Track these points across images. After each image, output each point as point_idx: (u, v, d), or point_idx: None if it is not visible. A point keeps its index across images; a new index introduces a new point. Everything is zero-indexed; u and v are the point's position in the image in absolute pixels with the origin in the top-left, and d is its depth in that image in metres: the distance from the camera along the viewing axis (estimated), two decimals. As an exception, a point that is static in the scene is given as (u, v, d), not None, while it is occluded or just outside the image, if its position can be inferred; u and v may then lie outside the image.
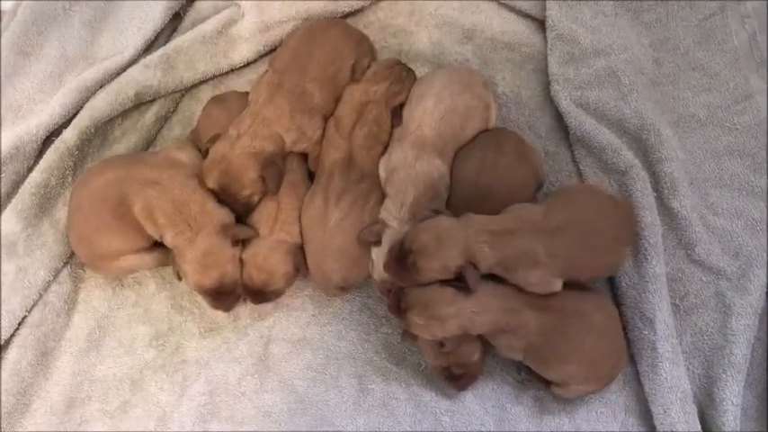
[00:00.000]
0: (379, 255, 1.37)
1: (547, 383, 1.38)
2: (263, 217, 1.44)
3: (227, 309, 1.44)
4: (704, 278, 1.46)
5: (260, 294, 1.43)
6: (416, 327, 1.28)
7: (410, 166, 1.40)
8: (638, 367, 1.40)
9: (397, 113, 1.49)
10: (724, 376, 1.37)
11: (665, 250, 1.44)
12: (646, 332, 1.38)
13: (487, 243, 1.26)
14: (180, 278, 1.42)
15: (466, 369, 1.36)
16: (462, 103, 1.45)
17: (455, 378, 1.37)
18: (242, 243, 1.42)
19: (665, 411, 1.34)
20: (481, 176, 1.41)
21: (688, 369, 1.40)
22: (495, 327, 1.29)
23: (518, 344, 1.31)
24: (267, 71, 1.54)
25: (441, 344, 1.32)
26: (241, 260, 1.42)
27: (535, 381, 1.41)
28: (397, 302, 1.30)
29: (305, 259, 1.44)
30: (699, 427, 1.34)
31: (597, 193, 1.40)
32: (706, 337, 1.43)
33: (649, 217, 1.43)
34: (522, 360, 1.35)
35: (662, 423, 1.34)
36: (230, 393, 1.43)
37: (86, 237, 1.42)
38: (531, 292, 1.29)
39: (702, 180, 1.55)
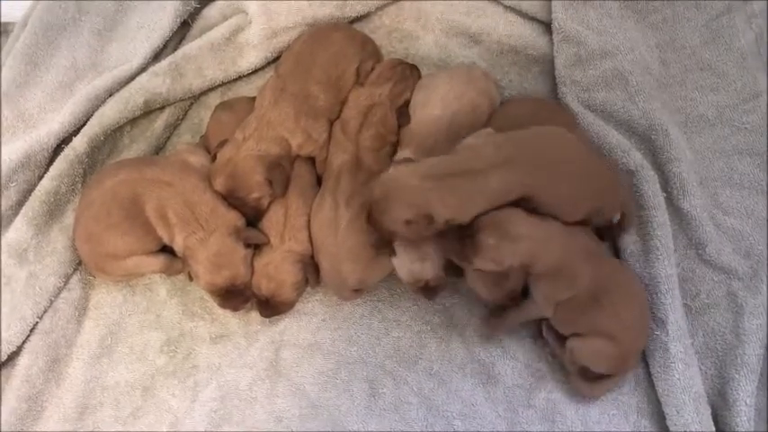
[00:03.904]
0: (398, 262, 1.38)
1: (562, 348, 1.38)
2: (272, 224, 1.45)
3: (235, 308, 1.45)
4: (715, 278, 1.45)
5: (269, 305, 1.44)
6: (487, 249, 1.24)
7: None
8: (650, 368, 1.40)
9: (403, 113, 1.49)
10: (737, 376, 1.36)
11: (675, 250, 1.44)
12: (658, 333, 1.38)
13: (434, 191, 1.24)
14: (191, 279, 1.44)
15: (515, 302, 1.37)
16: (468, 104, 1.46)
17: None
18: (254, 249, 1.43)
19: (678, 412, 1.34)
20: (536, 117, 1.41)
21: (700, 369, 1.39)
22: (557, 263, 1.27)
23: (562, 293, 1.30)
24: (272, 76, 1.55)
25: (501, 277, 1.30)
26: (252, 268, 1.43)
27: (556, 350, 1.42)
28: (462, 235, 1.26)
29: (316, 270, 1.45)
30: (713, 428, 1.33)
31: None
32: (718, 337, 1.42)
33: (660, 217, 1.43)
34: (552, 315, 1.34)
35: (675, 424, 1.34)
36: (242, 399, 1.43)
37: (95, 235, 1.43)
38: (584, 242, 1.31)
39: (712, 180, 1.54)
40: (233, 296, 1.42)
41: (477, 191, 1.25)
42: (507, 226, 1.24)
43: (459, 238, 1.26)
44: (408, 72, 1.54)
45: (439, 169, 1.26)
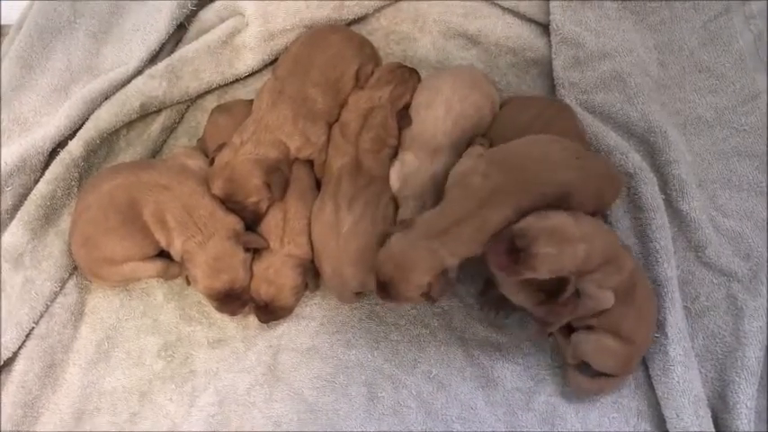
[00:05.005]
0: None
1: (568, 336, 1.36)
2: (271, 228, 1.44)
3: (233, 313, 1.44)
4: (715, 280, 1.45)
5: (267, 310, 1.43)
6: (547, 258, 1.18)
7: (426, 170, 1.41)
8: (650, 371, 1.40)
9: (404, 115, 1.49)
10: (737, 379, 1.36)
11: (674, 253, 1.44)
12: (657, 335, 1.38)
13: (442, 248, 1.24)
14: (189, 283, 1.43)
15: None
16: (471, 105, 1.46)
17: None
18: (253, 253, 1.43)
19: (678, 415, 1.33)
20: (533, 126, 1.40)
21: (700, 372, 1.39)
22: (606, 255, 1.25)
23: (613, 278, 1.27)
24: (270, 78, 1.54)
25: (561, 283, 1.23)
26: (251, 272, 1.42)
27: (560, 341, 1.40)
28: (507, 247, 1.20)
29: (315, 274, 1.44)
30: (713, 431, 1.33)
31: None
32: (718, 340, 1.42)
33: (659, 219, 1.43)
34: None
35: (675, 427, 1.33)
36: (240, 404, 1.42)
37: (92, 240, 1.42)
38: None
39: (711, 182, 1.54)
40: (231, 300, 1.41)
41: (478, 228, 1.24)
42: (562, 230, 1.20)
43: (507, 253, 1.19)
44: (408, 75, 1.54)
45: (438, 225, 1.26)
